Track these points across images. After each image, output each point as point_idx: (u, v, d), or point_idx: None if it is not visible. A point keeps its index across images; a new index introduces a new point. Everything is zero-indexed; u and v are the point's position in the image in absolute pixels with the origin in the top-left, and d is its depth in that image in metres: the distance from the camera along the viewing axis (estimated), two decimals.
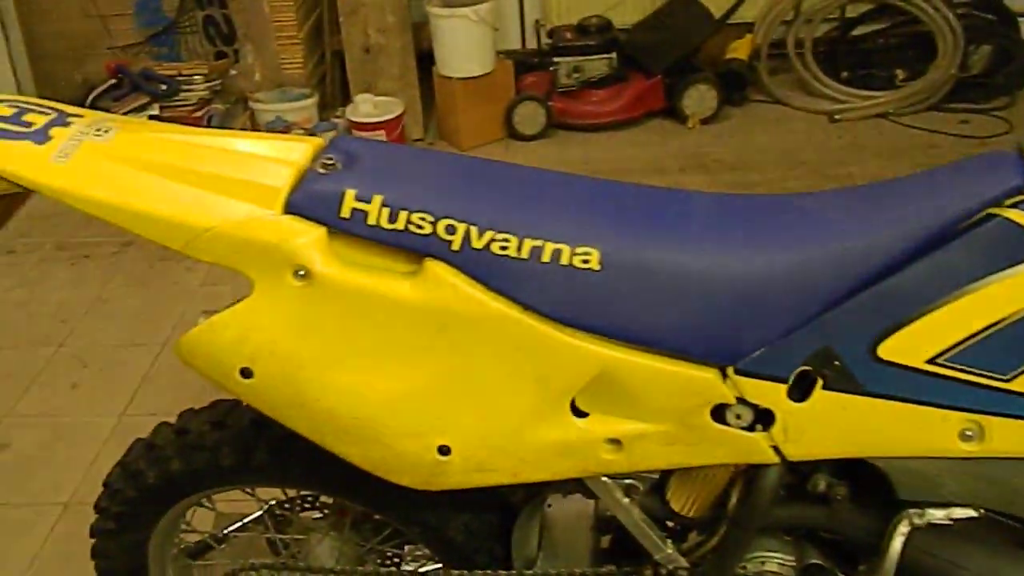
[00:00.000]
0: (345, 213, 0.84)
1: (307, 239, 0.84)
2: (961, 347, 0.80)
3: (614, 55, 3.42)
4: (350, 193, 0.84)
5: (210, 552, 1.32)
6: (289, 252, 0.84)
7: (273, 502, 1.28)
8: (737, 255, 0.84)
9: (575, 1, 3.63)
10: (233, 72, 3.54)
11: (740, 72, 3.50)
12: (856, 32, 3.58)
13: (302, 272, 0.85)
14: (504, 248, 0.83)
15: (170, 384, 2.27)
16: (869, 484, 0.90)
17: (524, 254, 0.83)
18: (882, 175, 3.03)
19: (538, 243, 0.83)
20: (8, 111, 0.89)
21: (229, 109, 3.47)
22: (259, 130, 3.49)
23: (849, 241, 0.82)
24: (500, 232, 0.83)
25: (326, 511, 1.29)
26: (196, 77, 3.42)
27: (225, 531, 1.30)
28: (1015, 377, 0.79)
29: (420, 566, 1.26)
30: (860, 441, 0.86)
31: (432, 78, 3.45)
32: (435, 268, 0.84)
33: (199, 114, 3.35)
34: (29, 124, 0.88)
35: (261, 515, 1.29)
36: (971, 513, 0.87)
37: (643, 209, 0.89)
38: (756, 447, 0.87)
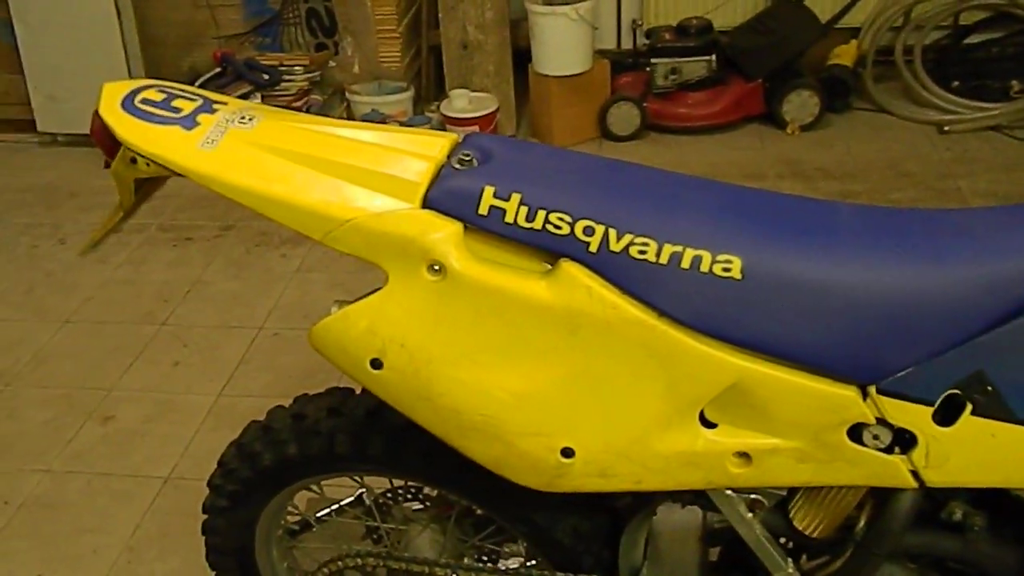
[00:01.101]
0: (483, 210, 0.84)
1: (443, 234, 0.84)
2: None
3: (713, 57, 3.36)
4: (489, 190, 0.84)
5: (308, 534, 1.34)
6: (425, 246, 0.84)
7: (376, 489, 1.30)
8: (885, 270, 0.81)
9: (674, 1, 3.59)
10: (332, 64, 3.60)
11: (844, 79, 3.40)
12: (969, 41, 3.45)
13: (437, 267, 0.85)
14: (643, 252, 0.82)
15: (265, 367, 2.32)
16: (1010, 516, 0.86)
17: (663, 259, 0.82)
18: (992, 190, 2.91)
19: (678, 248, 0.82)
20: (158, 96, 0.92)
21: (327, 100, 3.53)
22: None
23: (1005, 262, 0.78)
24: (639, 236, 0.82)
25: (428, 503, 1.30)
26: (297, 68, 3.49)
27: (323, 514, 1.31)
28: None
29: (517, 564, 1.26)
30: (1007, 471, 0.82)
31: (527, 75, 3.45)
32: (571, 269, 0.83)
33: (298, 104, 3.42)
34: (178, 110, 0.90)
35: (360, 500, 1.31)
36: None
37: (787, 218, 0.86)
38: (894, 470, 0.84)
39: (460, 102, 3.37)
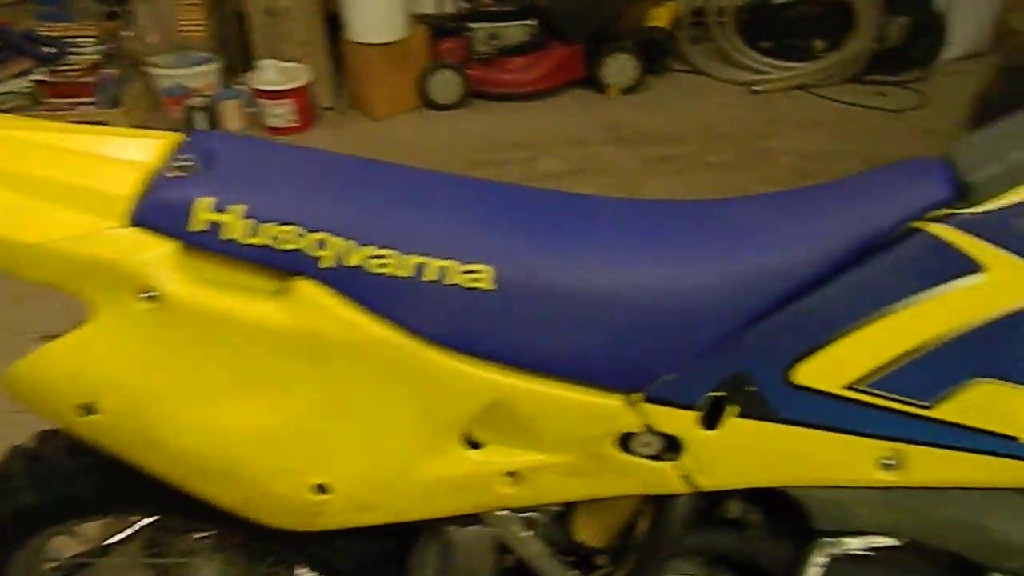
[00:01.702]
0: (198, 225, 0.73)
1: (154, 255, 0.73)
2: (880, 372, 0.74)
3: (533, 22, 3.31)
4: (204, 202, 0.73)
5: None
6: (132, 271, 0.73)
7: (148, 522, 1.17)
8: (644, 272, 0.75)
9: None
10: (127, 34, 3.31)
11: (661, 41, 3.43)
12: (778, 1, 3.54)
13: (150, 294, 0.73)
14: (384, 265, 0.73)
15: None
16: (786, 510, 0.84)
17: (407, 272, 0.74)
18: (802, 148, 3.01)
19: (423, 259, 0.74)
20: None
21: (122, 74, 3.25)
22: (158, 97, 3.28)
23: (763, 257, 0.75)
24: (380, 247, 0.74)
25: (210, 532, 1.18)
26: (85, 39, 3.19)
27: (88, 559, 1.18)
28: (936, 404, 0.73)
29: None
30: (774, 470, 0.79)
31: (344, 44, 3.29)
32: (305, 288, 0.74)
33: (89, 79, 3.13)
34: None
35: (133, 536, 1.18)
36: (891, 542, 0.82)
37: (543, 219, 0.80)
38: (665, 477, 0.80)
39: (269, 73, 3.17)
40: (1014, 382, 0.71)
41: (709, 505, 0.87)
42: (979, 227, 0.70)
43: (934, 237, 0.71)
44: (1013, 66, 2.21)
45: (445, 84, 3.32)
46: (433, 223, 0.77)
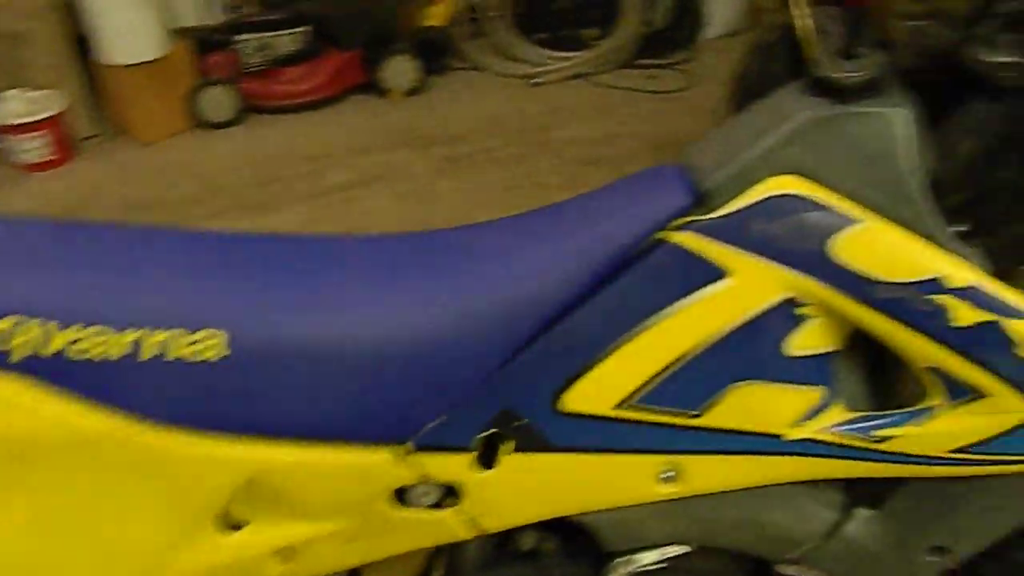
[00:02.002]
0: None
1: None
2: (647, 388, 0.72)
3: (305, 29, 3.19)
4: None
5: None
6: None
7: None
8: (388, 316, 0.70)
9: None
10: None
11: (438, 40, 3.40)
12: None
13: None
14: (91, 348, 0.64)
15: None
16: (580, 534, 0.82)
17: (121, 351, 0.64)
18: (584, 136, 3.07)
19: (139, 335, 0.65)
20: None
21: None
22: None
23: (513, 286, 0.71)
24: (87, 326, 0.64)
25: None
26: None
27: None
28: (704, 411, 0.73)
29: None
30: (558, 500, 0.77)
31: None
32: None
33: None
34: None
35: None
36: (682, 549, 0.82)
37: (277, 270, 0.72)
38: (448, 526, 0.75)
39: (14, 105, 2.87)
40: (768, 380, 0.71)
41: (502, 540, 0.84)
42: (719, 232, 0.69)
43: (678, 247, 0.70)
44: (766, 43, 2.34)
45: (216, 101, 3.13)
46: (150, 290, 0.68)
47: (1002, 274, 0.79)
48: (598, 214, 0.74)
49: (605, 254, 0.71)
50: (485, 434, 0.73)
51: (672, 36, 3.58)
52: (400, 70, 3.29)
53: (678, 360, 0.71)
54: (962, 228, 0.72)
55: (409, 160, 2.95)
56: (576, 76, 3.43)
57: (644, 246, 0.71)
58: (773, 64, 2.56)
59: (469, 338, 0.71)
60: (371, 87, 3.31)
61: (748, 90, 2.45)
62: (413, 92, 3.32)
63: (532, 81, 3.40)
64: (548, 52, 3.49)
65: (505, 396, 0.71)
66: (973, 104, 0.72)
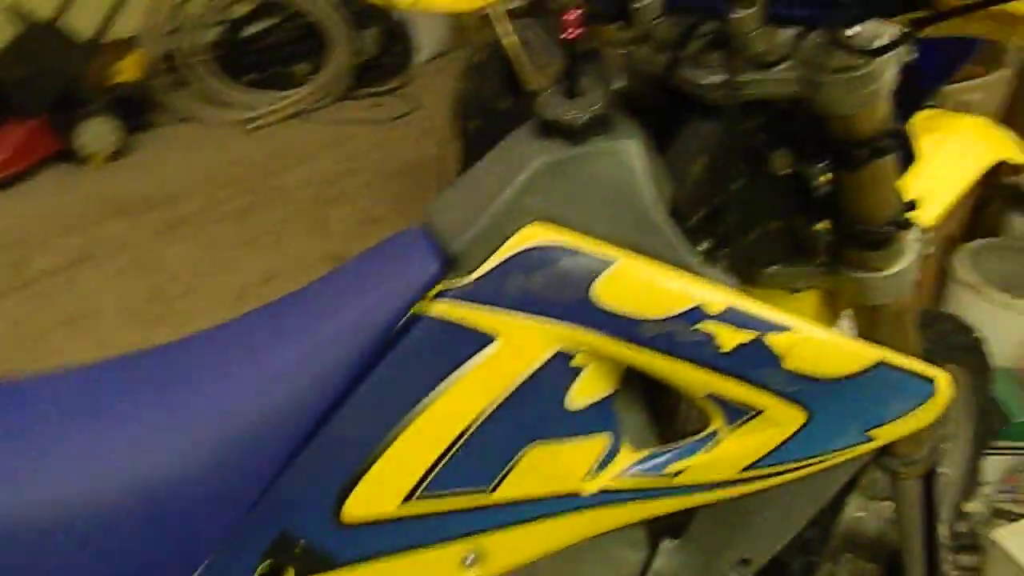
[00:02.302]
0: None
1: None
2: (432, 475, 0.66)
3: None
4: None
5: None
6: None
7: None
8: (114, 464, 0.59)
9: None
10: None
11: (135, 95, 3.13)
12: (247, 32, 3.44)
13: None
14: None
15: None
16: None
17: None
18: (316, 176, 2.96)
19: None
20: None
21: None
22: None
23: (262, 393, 0.62)
24: None
25: None
26: None
27: None
28: (497, 486, 0.68)
29: None
30: None
31: None
32: None
33: None
34: None
35: None
36: None
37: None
38: None
39: None
40: (556, 439, 0.68)
41: None
42: (476, 296, 0.64)
43: (437, 319, 0.65)
44: (477, 64, 2.36)
45: None
46: None
47: (746, 279, 0.81)
48: (346, 297, 0.66)
49: (361, 340, 0.64)
50: (265, 565, 0.63)
51: (386, 63, 3.56)
52: (97, 133, 3.00)
53: (460, 438, 0.66)
54: (707, 247, 0.72)
55: (124, 230, 2.69)
56: (295, 115, 3.31)
57: (401, 324, 0.65)
58: (487, 83, 2.59)
59: (219, 468, 0.61)
60: (68, 155, 2.98)
61: (467, 110, 2.47)
62: (117, 155, 3.04)
63: (249, 126, 3.23)
64: (261, 93, 3.34)
65: (279, 519, 0.62)
66: (693, 124, 0.72)
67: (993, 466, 1.73)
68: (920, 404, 0.69)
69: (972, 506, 1.69)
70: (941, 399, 0.69)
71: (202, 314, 2.33)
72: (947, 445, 1.42)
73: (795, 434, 0.68)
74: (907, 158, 0.82)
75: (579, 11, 0.62)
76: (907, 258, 0.77)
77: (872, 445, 0.69)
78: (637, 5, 0.64)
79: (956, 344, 1.21)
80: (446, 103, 3.24)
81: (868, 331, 0.84)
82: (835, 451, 0.69)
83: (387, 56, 3.56)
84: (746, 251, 0.77)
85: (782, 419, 0.67)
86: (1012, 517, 1.72)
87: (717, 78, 0.68)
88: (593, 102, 0.65)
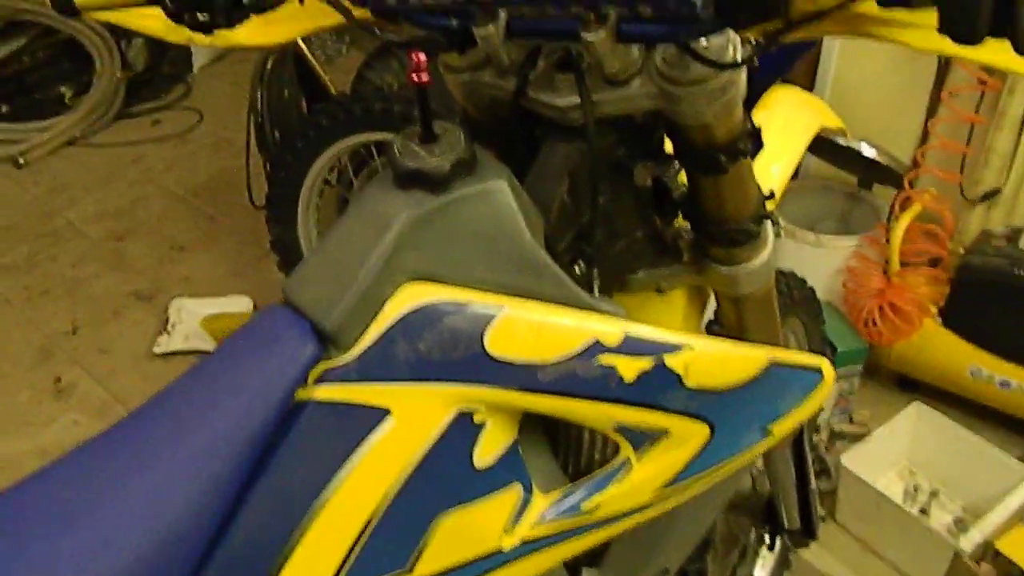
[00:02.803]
0: None
1: None
2: (347, 566, 0.61)
3: None
4: None
5: None
6: None
7: None
8: None
9: None
10: None
11: None
12: None
13: None
14: None
15: None
16: None
17: None
18: (105, 208, 2.71)
19: None
20: None
21: None
22: None
23: (163, 508, 0.55)
24: None
25: None
26: None
27: None
28: (416, 563, 0.63)
29: None
30: None
31: None
32: None
33: None
34: None
35: None
36: None
37: None
38: None
39: None
40: (468, 501, 0.64)
41: None
42: (362, 372, 0.59)
43: (323, 403, 0.59)
44: (271, 68, 2.21)
45: None
46: None
47: (618, 285, 0.80)
48: (222, 394, 0.59)
49: (246, 439, 0.57)
50: None
51: (161, 75, 3.30)
52: None
53: (369, 522, 0.61)
54: (580, 269, 0.70)
55: None
56: (68, 143, 3.01)
57: (286, 415, 0.58)
58: (284, 89, 2.45)
59: None
60: None
61: (266, 119, 2.32)
62: None
63: (18, 161, 2.91)
64: (25, 124, 3.01)
65: None
66: (551, 146, 0.70)
67: None
68: (810, 392, 0.71)
69: (817, 435, 1.81)
70: (827, 384, 0.71)
71: (8, 380, 2.09)
72: None
73: (702, 448, 0.67)
74: (757, 147, 0.83)
75: (424, 55, 0.57)
76: (768, 247, 0.79)
77: (771, 440, 0.71)
78: (480, 32, 0.60)
79: (795, 298, 1.27)
80: (233, 110, 3.06)
81: (735, 320, 0.86)
82: (739, 454, 0.70)
83: (161, 67, 3.31)
84: (615, 262, 0.76)
85: (688, 436, 0.67)
86: (847, 437, 1.87)
87: (570, 100, 0.65)
88: (453, 145, 0.61)
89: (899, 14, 0.49)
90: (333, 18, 0.74)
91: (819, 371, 0.70)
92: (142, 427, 0.59)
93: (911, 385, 1.95)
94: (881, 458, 1.74)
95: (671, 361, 0.64)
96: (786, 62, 0.76)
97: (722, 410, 0.67)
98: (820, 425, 1.79)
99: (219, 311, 2.26)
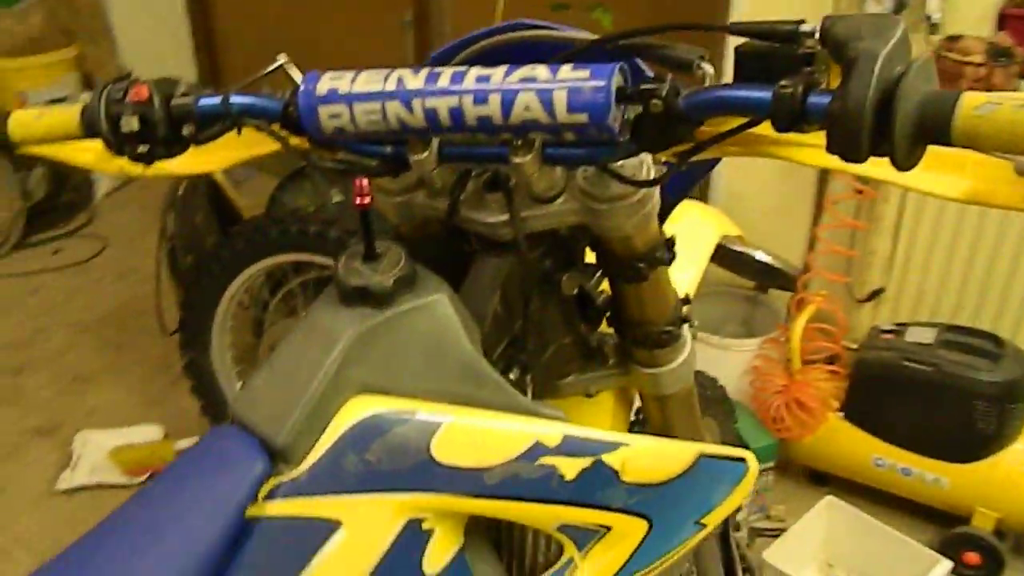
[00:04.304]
0: None
1: None
2: None
3: None
4: None
5: None
6: None
7: None
8: None
9: None
10: None
11: None
12: None
13: None
14: None
15: None
16: None
17: None
18: (3, 343, 2.61)
19: None
20: None
21: None
22: None
23: None
24: None
25: None
26: None
27: None
28: None
29: None
30: None
31: None
32: None
33: None
34: None
35: None
36: None
37: None
38: None
39: None
40: None
41: None
42: (312, 486, 0.60)
43: (275, 518, 0.59)
44: (182, 195, 2.22)
45: None
46: None
47: (550, 390, 0.83)
48: (172, 515, 0.59)
49: (197, 560, 0.57)
50: None
51: (62, 203, 3.25)
52: None
53: None
54: (515, 375, 0.73)
55: None
56: None
57: (237, 533, 0.59)
58: (195, 215, 2.46)
59: None
60: None
61: (178, 244, 2.31)
62: None
63: None
64: None
65: None
66: (482, 261, 0.74)
67: None
68: (737, 483, 0.74)
69: (737, 533, 1.85)
70: (752, 474, 0.75)
71: None
72: None
73: (641, 543, 0.70)
74: (670, 257, 0.90)
75: (367, 179, 0.62)
76: (688, 348, 0.84)
77: (705, 532, 0.74)
78: (415, 158, 0.65)
79: (708, 398, 1.33)
80: (138, 237, 3.03)
81: (660, 418, 0.90)
82: (676, 548, 0.73)
83: (62, 195, 3.26)
84: (546, 369, 0.80)
85: (628, 532, 0.69)
86: (766, 533, 1.91)
87: (500, 217, 0.70)
88: (395, 263, 0.64)
89: (793, 136, 0.55)
90: (269, 146, 0.77)
91: (744, 461, 0.75)
92: (92, 553, 0.58)
93: (822, 478, 2.03)
94: (800, 553, 1.79)
95: (609, 459, 0.67)
96: (693, 179, 0.84)
97: (659, 504, 0.70)
98: (740, 523, 1.83)
99: (127, 442, 2.18)
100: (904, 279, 1.93)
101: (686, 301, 0.83)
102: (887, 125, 0.49)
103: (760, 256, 2.06)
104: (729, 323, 2.21)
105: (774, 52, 0.56)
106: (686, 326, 0.83)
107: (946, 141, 0.49)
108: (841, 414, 1.92)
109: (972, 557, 1.79)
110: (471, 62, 0.72)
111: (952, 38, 1.73)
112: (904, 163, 0.50)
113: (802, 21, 0.55)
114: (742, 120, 0.57)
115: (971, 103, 0.48)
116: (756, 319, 2.18)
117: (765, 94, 0.54)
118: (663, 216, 0.85)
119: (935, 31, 1.76)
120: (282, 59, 0.75)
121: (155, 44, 3.42)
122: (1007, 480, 1.76)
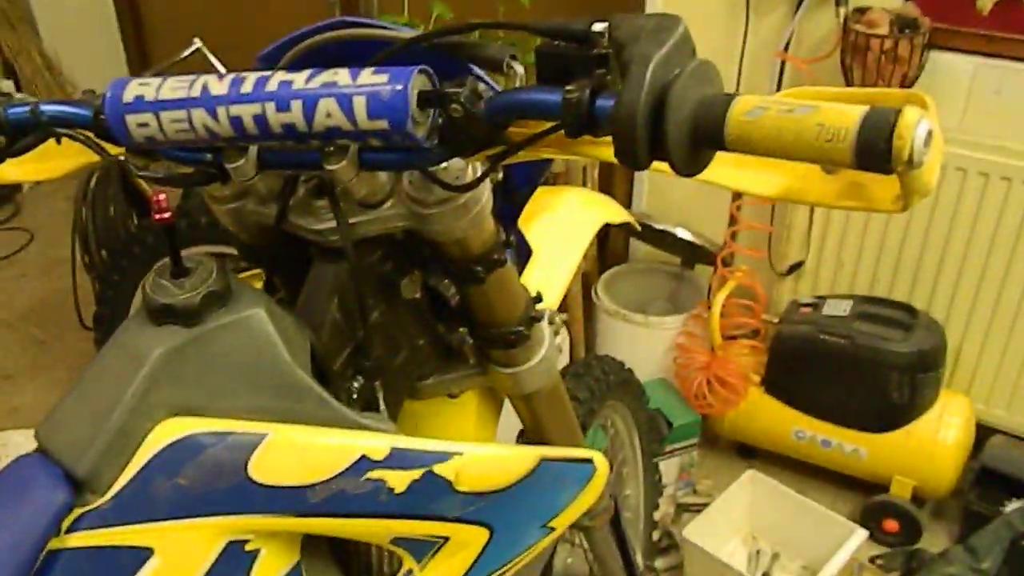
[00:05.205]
0: None
1: None
2: None
3: None
4: None
5: None
6: None
7: None
8: None
9: None
10: None
11: None
12: None
13: None
14: None
15: None
16: None
17: None
18: None
19: None
20: None
21: None
22: None
23: None
24: None
25: None
26: None
27: None
28: None
29: None
30: None
31: None
32: None
33: None
34: None
35: None
36: None
37: None
38: None
39: None
40: None
41: None
42: (120, 514, 0.58)
43: (79, 550, 0.57)
44: (94, 187, 2.17)
45: None
46: None
47: (409, 392, 0.82)
48: None
49: None
50: None
51: None
52: None
53: None
54: (359, 384, 0.72)
55: None
56: None
57: (39, 566, 0.56)
58: (109, 206, 2.40)
59: None
60: None
61: (91, 237, 2.25)
62: None
63: None
64: None
65: None
66: (318, 268, 0.72)
67: (669, 468, 1.92)
68: (585, 484, 0.74)
69: (660, 511, 1.86)
70: (602, 474, 0.75)
71: None
72: (626, 469, 1.55)
73: (483, 551, 0.69)
74: (527, 253, 0.88)
75: (165, 195, 0.59)
76: (545, 346, 0.83)
77: (554, 535, 0.73)
78: (231, 166, 0.62)
79: (613, 382, 1.33)
80: (67, 229, 2.95)
81: (529, 417, 0.89)
82: (522, 553, 0.72)
83: None
84: (399, 372, 0.78)
85: (468, 541, 0.68)
86: (693, 509, 1.93)
87: (328, 223, 0.68)
88: (205, 278, 0.62)
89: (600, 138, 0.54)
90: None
91: (591, 462, 0.74)
92: None
93: (750, 452, 2.04)
94: (723, 527, 1.81)
95: (441, 469, 0.66)
96: (536, 175, 0.82)
97: (499, 512, 0.69)
98: (660, 502, 1.83)
99: None
100: (822, 252, 1.94)
101: (538, 300, 0.81)
102: (662, 131, 0.47)
103: (681, 233, 2.06)
104: (656, 300, 2.21)
105: (570, 53, 0.54)
106: (543, 324, 0.82)
107: (721, 146, 0.47)
108: (762, 388, 1.93)
109: (891, 524, 1.82)
110: (298, 63, 0.69)
111: (860, 10, 1.72)
112: (684, 169, 0.48)
113: (595, 21, 0.53)
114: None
115: (742, 108, 0.46)
116: (682, 295, 2.18)
117: (556, 97, 0.53)
118: (516, 212, 0.84)
119: (843, 2, 1.75)
120: (197, 43, 0.72)
121: (80, 29, 3.32)
122: (921, 448, 1.78)
